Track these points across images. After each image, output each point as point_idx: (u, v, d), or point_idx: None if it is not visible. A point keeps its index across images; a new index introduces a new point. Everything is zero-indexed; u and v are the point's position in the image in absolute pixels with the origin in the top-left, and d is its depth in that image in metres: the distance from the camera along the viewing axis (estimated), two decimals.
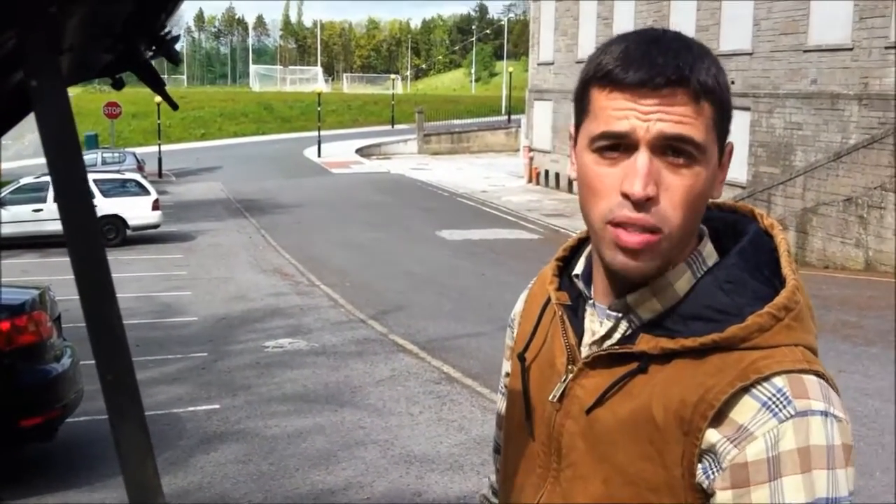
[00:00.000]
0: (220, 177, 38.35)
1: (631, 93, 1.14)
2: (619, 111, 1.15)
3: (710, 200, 1.30)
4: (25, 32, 0.98)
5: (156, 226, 21.45)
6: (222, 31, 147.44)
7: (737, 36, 24.50)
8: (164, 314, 13.11)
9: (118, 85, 1.26)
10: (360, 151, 47.13)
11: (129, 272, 16.33)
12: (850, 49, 20.51)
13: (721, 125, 1.18)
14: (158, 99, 40.73)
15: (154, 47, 1.19)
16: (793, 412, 1.08)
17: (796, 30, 22.30)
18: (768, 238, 1.25)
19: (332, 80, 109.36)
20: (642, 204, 1.13)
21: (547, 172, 34.57)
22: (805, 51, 22.00)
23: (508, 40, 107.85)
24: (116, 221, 20.70)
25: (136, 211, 21.03)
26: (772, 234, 1.26)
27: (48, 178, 21.93)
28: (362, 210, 26.56)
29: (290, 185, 33.75)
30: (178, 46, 1.23)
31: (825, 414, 1.09)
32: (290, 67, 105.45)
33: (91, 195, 1.14)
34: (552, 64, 35.82)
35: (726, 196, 23.80)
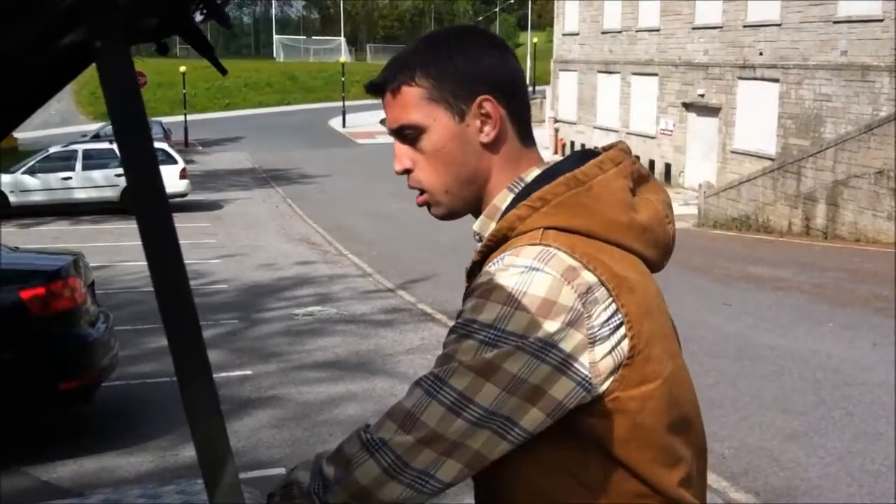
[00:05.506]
0: (246, 146, 38.44)
1: None
2: None
3: (599, 147, 1.54)
4: None
5: (183, 195, 21.54)
6: (245, 1, 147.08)
7: (765, 7, 24.20)
8: (195, 281, 13.19)
9: (163, 50, 1.24)
10: (384, 122, 46.86)
11: None
12: (881, 20, 20.22)
13: (447, 90, 1.45)
14: (184, 69, 40.98)
15: (204, 11, 1.18)
16: (500, 265, 1.34)
17: (825, 0, 22.00)
18: (594, 155, 1.47)
19: (356, 50, 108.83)
20: (406, 176, 1.52)
21: (573, 143, 34.40)
22: (835, 22, 21.72)
23: (532, 10, 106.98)
24: None
25: (164, 180, 20.97)
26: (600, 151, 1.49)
27: (77, 147, 22.28)
28: (388, 180, 26.47)
29: (316, 155, 33.76)
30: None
31: (527, 268, 1.31)
32: (314, 38, 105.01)
33: (156, 156, 1.13)
34: (577, 35, 35.55)
35: (754, 168, 23.37)
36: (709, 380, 8.16)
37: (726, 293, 12.67)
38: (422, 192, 1.51)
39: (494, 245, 1.42)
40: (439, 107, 1.45)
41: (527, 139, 1.51)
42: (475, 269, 1.47)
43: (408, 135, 1.48)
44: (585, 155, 1.48)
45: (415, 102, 1.46)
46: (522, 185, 1.47)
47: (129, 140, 1.12)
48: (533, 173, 1.48)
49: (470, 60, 1.45)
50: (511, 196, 1.47)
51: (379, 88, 1.50)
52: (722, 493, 5.91)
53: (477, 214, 1.53)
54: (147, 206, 1.16)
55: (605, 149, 1.50)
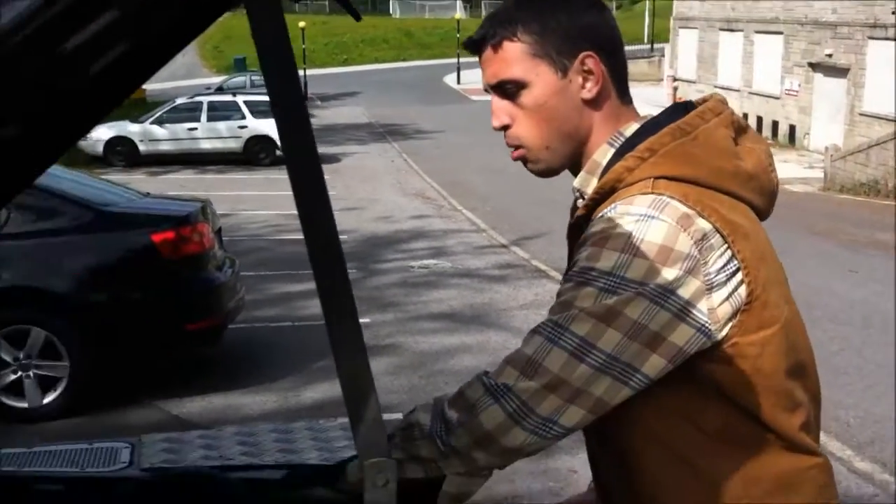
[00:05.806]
0: (363, 101, 38.85)
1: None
2: None
3: (692, 100, 1.54)
4: None
5: None
6: None
7: None
8: None
9: None
10: None
11: (278, 190, 16.71)
12: None
13: (550, 45, 1.45)
14: (303, 24, 41.57)
15: None
16: (613, 214, 1.35)
17: None
18: (692, 107, 1.47)
19: (471, 7, 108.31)
20: (504, 132, 1.51)
21: None
22: None
23: None
24: (266, 142, 21.27)
25: None
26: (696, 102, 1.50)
27: (202, 99, 22.91)
28: (502, 136, 26.46)
29: (431, 111, 33.90)
30: None
31: (642, 216, 1.32)
32: None
33: (305, 102, 1.14)
34: None
35: (885, 131, 22.45)
36: (833, 347, 7.95)
37: (853, 259, 12.27)
38: (517, 147, 1.52)
39: (601, 198, 1.43)
40: (542, 62, 1.46)
41: (625, 96, 1.53)
42: (580, 224, 1.47)
43: (508, 90, 1.48)
44: (680, 107, 1.48)
45: (517, 57, 1.46)
46: (622, 139, 1.48)
47: (279, 83, 1.14)
48: (632, 128, 1.49)
49: (572, 17, 1.47)
50: (612, 150, 1.48)
51: (478, 45, 1.50)
52: (846, 462, 5.77)
53: (574, 171, 1.54)
54: (296, 147, 1.19)
55: (700, 101, 1.51)
